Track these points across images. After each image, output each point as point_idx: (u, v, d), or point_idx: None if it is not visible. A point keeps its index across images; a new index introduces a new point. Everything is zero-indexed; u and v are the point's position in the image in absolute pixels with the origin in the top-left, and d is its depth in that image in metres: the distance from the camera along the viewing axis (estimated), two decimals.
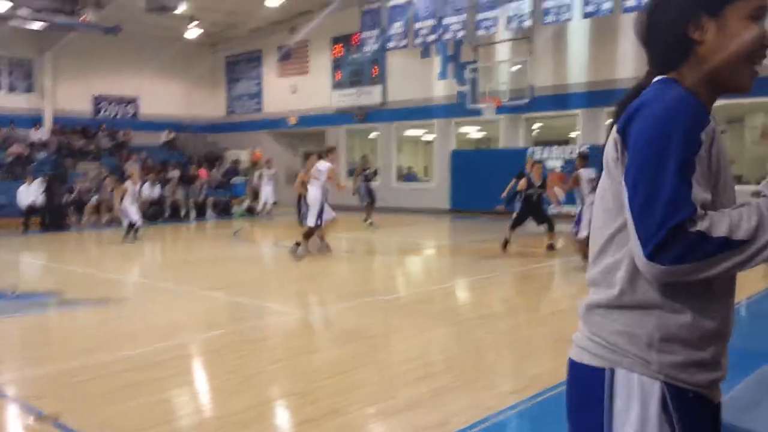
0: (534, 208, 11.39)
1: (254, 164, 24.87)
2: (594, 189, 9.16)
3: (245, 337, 6.44)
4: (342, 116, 24.34)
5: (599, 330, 1.48)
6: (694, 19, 1.44)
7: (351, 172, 23.52)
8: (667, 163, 1.31)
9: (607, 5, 16.60)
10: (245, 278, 10.04)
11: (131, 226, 14.42)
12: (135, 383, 4.91)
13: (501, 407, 4.23)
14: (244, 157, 27.10)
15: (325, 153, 11.96)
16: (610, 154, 1.48)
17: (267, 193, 20.21)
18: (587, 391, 1.49)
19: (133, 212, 14.52)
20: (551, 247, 11.50)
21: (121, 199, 14.50)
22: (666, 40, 1.49)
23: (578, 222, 9.48)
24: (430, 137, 23.80)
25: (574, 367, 1.55)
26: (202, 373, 5.34)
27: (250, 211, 21.75)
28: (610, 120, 1.57)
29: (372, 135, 24.42)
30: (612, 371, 1.44)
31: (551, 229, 11.41)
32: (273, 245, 14.21)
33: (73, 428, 3.95)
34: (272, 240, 15.11)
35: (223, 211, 22.01)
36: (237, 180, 23.84)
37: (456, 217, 19.65)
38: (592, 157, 9.94)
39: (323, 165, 11.36)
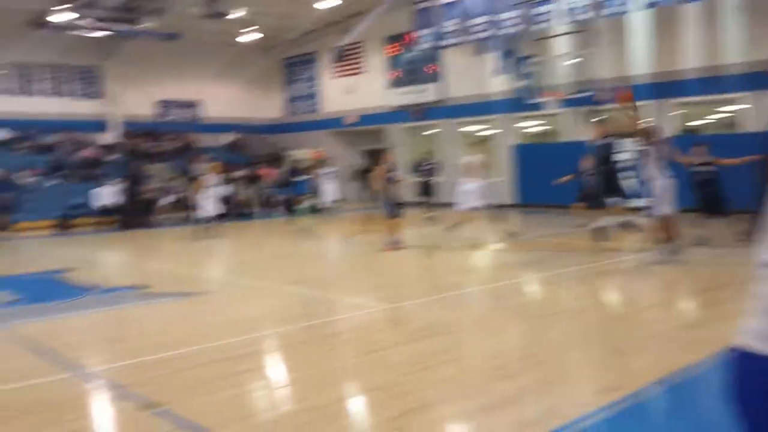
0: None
1: (316, 163, 25.15)
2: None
3: (325, 331, 6.55)
4: (399, 114, 24.39)
5: None
6: None
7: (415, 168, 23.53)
8: None
9: None
10: (318, 273, 10.19)
11: (207, 221, 14.96)
12: (225, 374, 5.06)
13: (598, 404, 4.13)
14: (304, 156, 27.49)
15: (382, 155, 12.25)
16: None
17: (329, 190, 20.42)
18: None
19: (208, 207, 15.04)
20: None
21: (198, 192, 15.13)
22: None
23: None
24: (488, 133, 23.62)
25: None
26: (287, 365, 5.45)
27: (314, 209, 22.01)
28: None
29: (428, 132, 24.39)
30: None
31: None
32: (340, 241, 14.37)
33: (180, 415, 4.11)
34: (338, 236, 15.28)
35: (288, 208, 22.38)
36: (299, 178, 24.19)
37: (523, 212, 19.45)
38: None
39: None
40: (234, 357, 5.52)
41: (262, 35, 26.12)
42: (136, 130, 24.96)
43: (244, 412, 4.34)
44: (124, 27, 22.46)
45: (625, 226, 11.23)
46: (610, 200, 10.65)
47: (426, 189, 17.67)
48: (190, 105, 27.13)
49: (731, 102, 17.33)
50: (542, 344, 5.69)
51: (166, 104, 26.54)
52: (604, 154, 9.91)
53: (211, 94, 27.22)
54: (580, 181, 11.36)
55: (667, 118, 17.93)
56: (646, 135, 9.18)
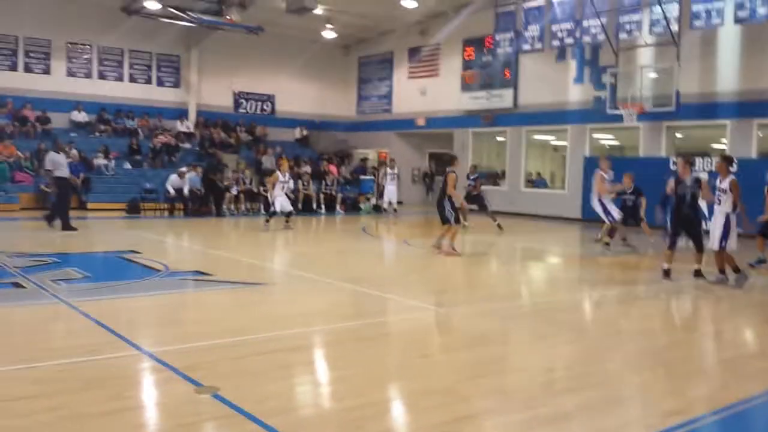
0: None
1: (381, 163, 25.25)
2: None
3: (380, 330, 6.52)
4: (470, 119, 24.18)
5: None
6: None
7: (480, 175, 23.31)
8: None
9: (762, 11, 15.48)
10: (376, 273, 10.17)
11: (283, 214, 15.29)
12: (283, 365, 5.10)
13: (663, 426, 3.99)
14: (372, 155, 27.62)
15: (450, 162, 12.19)
16: None
17: (390, 192, 20.42)
18: None
19: (281, 201, 15.39)
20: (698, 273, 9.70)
21: (273, 186, 15.47)
22: None
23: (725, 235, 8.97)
24: (558, 143, 23.15)
25: None
26: (339, 362, 5.41)
27: (377, 209, 22.09)
28: None
29: (500, 138, 24.09)
30: None
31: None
32: (400, 242, 14.32)
33: (232, 401, 4.12)
34: (398, 237, 15.23)
35: (352, 206, 22.52)
36: (365, 177, 24.29)
37: (588, 228, 18.96)
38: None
39: None
40: (288, 349, 5.54)
41: (340, 33, 26.35)
42: (211, 119, 25.58)
43: (294, 404, 4.35)
44: (211, 18, 23.06)
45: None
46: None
47: (473, 199, 16.89)
48: (264, 98, 27.62)
49: None
50: (600, 363, 5.50)
51: (242, 96, 27.10)
52: (683, 194, 9.51)
53: (285, 88, 27.64)
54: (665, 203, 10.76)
55: (749, 138, 17.16)
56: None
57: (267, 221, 15.47)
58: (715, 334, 7.02)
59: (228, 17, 23.04)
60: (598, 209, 13.39)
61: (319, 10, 22.59)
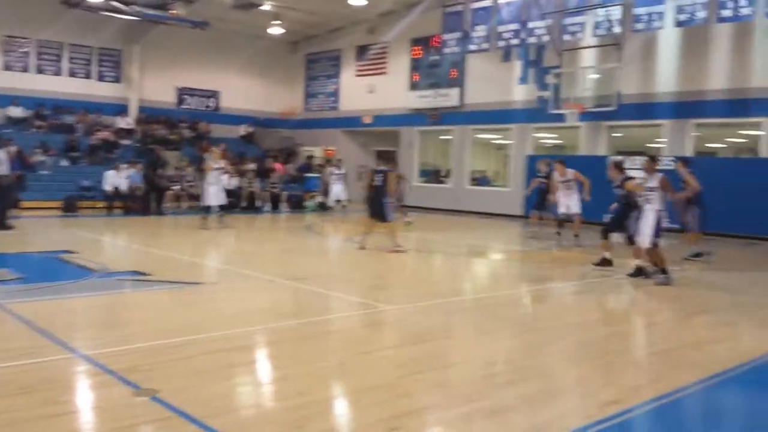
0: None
1: (327, 161, 25.16)
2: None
3: (323, 328, 6.48)
4: (417, 117, 24.33)
5: None
6: None
7: (425, 173, 23.56)
8: None
9: (701, 14, 16.03)
10: (319, 271, 10.12)
11: (212, 209, 14.89)
12: (225, 365, 5.02)
13: (600, 416, 4.09)
14: (318, 153, 27.48)
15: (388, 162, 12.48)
16: None
17: (338, 190, 20.38)
18: None
19: (214, 192, 14.87)
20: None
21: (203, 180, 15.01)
22: None
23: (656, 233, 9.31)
24: (502, 141, 23.50)
25: None
26: (281, 360, 5.37)
27: (322, 206, 21.99)
28: None
29: (445, 137, 24.32)
30: None
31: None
32: (345, 240, 14.30)
33: (172, 403, 4.03)
34: (344, 235, 15.21)
35: (297, 204, 22.35)
36: (310, 175, 24.15)
37: (530, 224, 19.30)
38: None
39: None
40: (229, 349, 5.45)
41: (287, 29, 26.14)
42: (152, 115, 25.01)
43: (236, 405, 4.28)
44: (154, 12, 22.52)
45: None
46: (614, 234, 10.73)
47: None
48: (209, 94, 27.18)
49: (756, 126, 17.09)
50: (540, 356, 5.60)
51: (186, 92, 26.60)
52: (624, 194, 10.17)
53: (231, 84, 27.28)
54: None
55: (685, 138, 17.76)
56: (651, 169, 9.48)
57: (204, 219, 15.10)
58: (649, 326, 7.24)
59: (172, 11, 22.57)
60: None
61: (266, 6, 22.38)
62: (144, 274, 8.79)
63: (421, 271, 10.81)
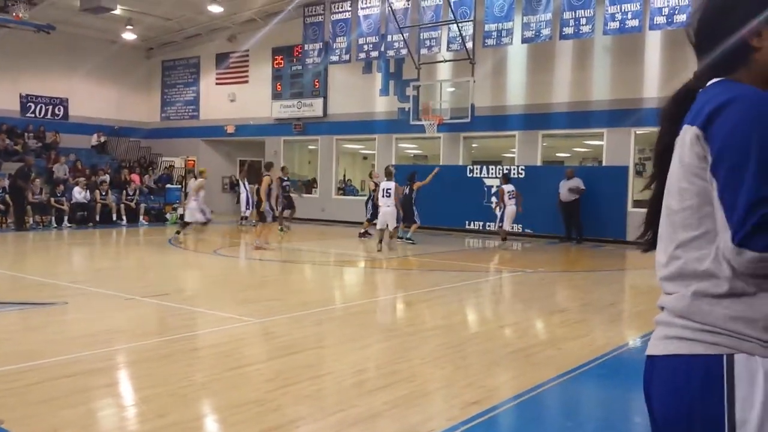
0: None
1: (189, 171, 24.33)
2: (511, 199, 14.23)
3: (187, 345, 6.26)
4: (281, 127, 24.16)
5: (712, 319, 1.50)
6: (754, 29, 1.58)
7: (292, 183, 23.35)
8: (764, 155, 1.40)
9: (545, 32, 17.16)
10: (183, 285, 9.79)
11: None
12: (80, 389, 4.72)
13: (464, 417, 4.25)
14: (178, 163, 26.48)
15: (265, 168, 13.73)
16: (689, 151, 1.53)
17: (196, 203, 19.86)
18: (704, 381, 1.48)
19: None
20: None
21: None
22: (726, 46, 1.61)
23: (501, 220, 15.40)
24: (368, 151, 23.89)
25: (681, 362, 1.52)
26: (145, 381, 5.11)
27: (183, 219, 21.19)
28: (676, 121, 1.63)
29: (312, 146, 24.33)
30: (731, 357, 1.46)
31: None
32: (210, 253, 13.91)
33: None
34: (208, 247, 14.78)
35: (156, 217, 21.41)
36: (171, 186, 23.24)
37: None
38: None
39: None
40: (85, 372, 5.13)
41: (141, 35, 25.08)
42: None
43: (107, 428, 4.05)
44: None
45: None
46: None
47: (287, 203, 18.40)
48: (56, 102, 25.45)
49: (597, 137, 18.51)
50: (407, 360, 5.73)
51: (30, 99, 24.75)
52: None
53: (80, 91, 25.66)
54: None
55: (534, 148, 18.90)
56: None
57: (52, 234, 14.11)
58: (509, 326, 7.61)
59: (14, 14, 20.94)
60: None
61: (118, 11, 21.31)
62: None
63: (289, 282, 10.73)
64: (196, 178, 19.88)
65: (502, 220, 15.40)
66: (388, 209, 14.42)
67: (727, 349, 1.47)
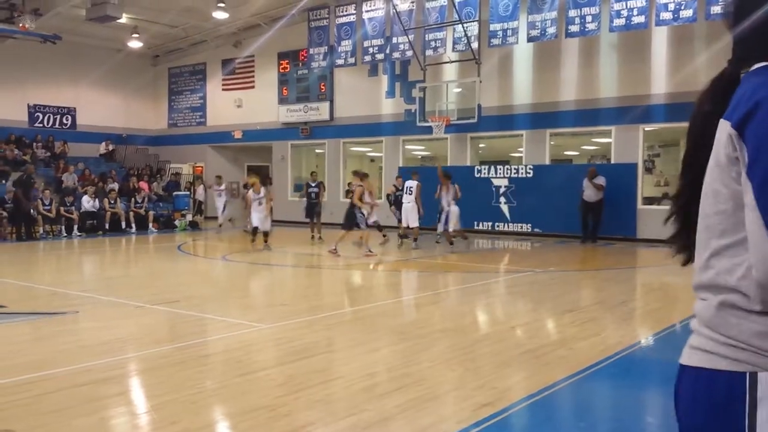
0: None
1: (197, 178, 24.43)
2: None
3: (199, 352, 6.26)
4: (288, 131, 24.20)
5: (737, 333, 1.40)
6: None
7: (298, 187, 23.41)
8: None
9: (551, 30, 17.11)
10: (193, 292, 9.79)
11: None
12: (91, 398, 4.72)
13: (475, 419, 4.22)
14: (186, 170, 26.59)
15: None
16: (723, 151, 1.41)
17: (221, 209, 20.04)
18: (726, 399, 1.39)
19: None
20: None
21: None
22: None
23: (446, 221, 15.34)
24: (375, 154, 23.87)
25: (703, 376, 1.44)
26: (157, 388, 5.11)
27: (193, 225, 21.32)
28: (707, 111, 1.51)
29: (319, 150, 24.35)
30: (754, 375, 1.36)
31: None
32: (219, 259, 13.93)
33: None
34: (217, 254, 14.81)
35: (165, 224, 21.49)
36: (179, 193, 23.32)
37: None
38: None
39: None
40: (99, 381, 5.14)
41: (147, 43, 25.19)
42: (2, 135, 23.16)
43: None
44: (1, 26, 20.91)
45: None
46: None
47: (311, 209, 17.69)
48: (64, 111, 25.60)
49: (605, 134, 18.41)
50: (417, 363, 5.71)
51: (38, 109, 24.91)
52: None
53: (88, 100, 25.83)
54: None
55: (542, 146, 18.84)
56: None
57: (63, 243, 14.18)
58: (520, 326, 7.57)
59: (21, 25, 21.09)
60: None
61: (123, 19, 21.41)
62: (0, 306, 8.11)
63: (298, 287, 10.72)
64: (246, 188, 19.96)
65: (446, 222, 15.42)
66: (408, 205, 14.89)
67: (750, 367, 1.37)
